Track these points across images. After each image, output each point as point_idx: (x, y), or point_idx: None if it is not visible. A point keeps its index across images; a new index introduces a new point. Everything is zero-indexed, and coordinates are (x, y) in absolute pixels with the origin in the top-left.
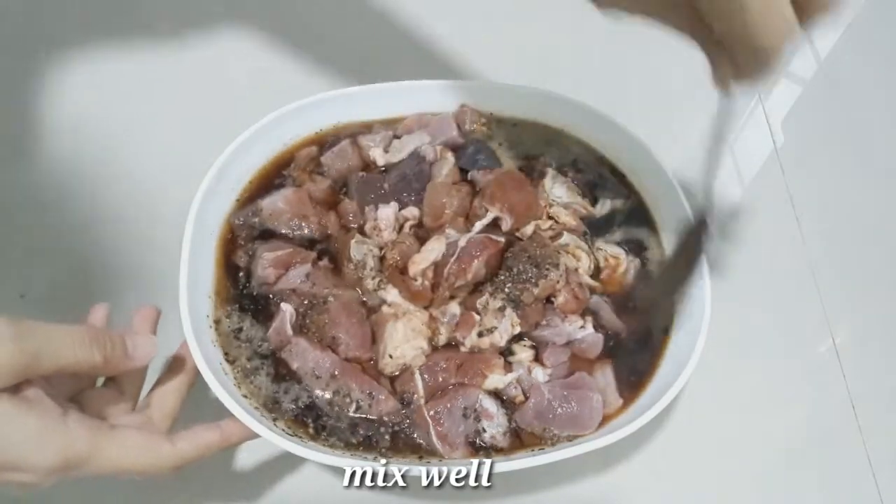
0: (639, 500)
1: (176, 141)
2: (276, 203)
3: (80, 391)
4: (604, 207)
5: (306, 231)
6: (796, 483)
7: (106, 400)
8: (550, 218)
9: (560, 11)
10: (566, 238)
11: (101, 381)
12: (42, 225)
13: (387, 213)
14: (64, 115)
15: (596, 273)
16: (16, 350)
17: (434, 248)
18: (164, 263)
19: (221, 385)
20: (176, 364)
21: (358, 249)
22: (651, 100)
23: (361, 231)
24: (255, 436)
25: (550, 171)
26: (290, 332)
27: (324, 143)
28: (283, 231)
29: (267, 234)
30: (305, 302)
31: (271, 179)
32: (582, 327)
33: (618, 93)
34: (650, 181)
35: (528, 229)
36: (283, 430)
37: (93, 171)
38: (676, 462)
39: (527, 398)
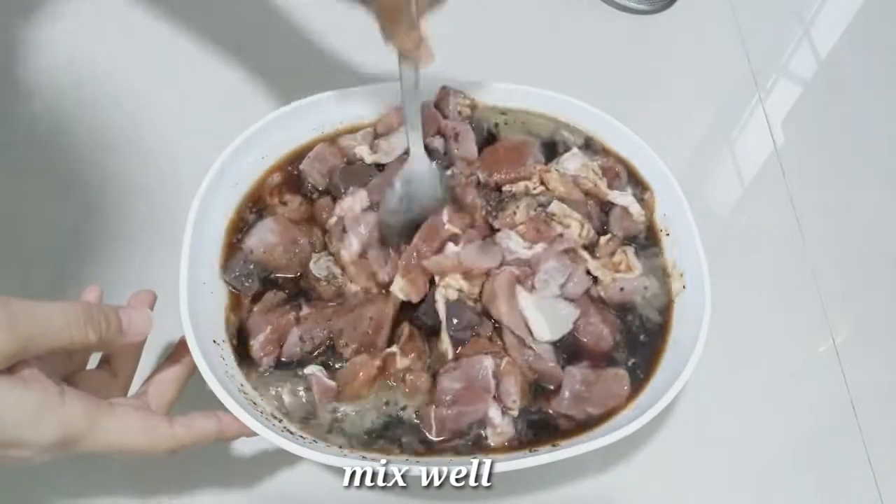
0: (639, 500)
1: (177, 141)
2: (266, 237)
3: (72, 373)
4: (618, 199)
5: (302, 257)
6: (796, 483)
7: (100, 382)
8: (542, 183)
9: (559, 11)
10: (554, 206)
11: (94, 363)
12: (42, 224)
13: (350, 203)
14: (62, 114)
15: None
16: (9, 337)
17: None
18: (165, 263)
19: (222, 387)
20: (176, 354)
21: (318, 268)
22: (653, 101)
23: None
24: (253, 433)
25: (574, 148)
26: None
27: (298, 159)
28: (282, 272)
29: (268, 284)
30: (322, 347)
31: (247, 211)
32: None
33: (618, 94)
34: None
35: (519, 187)
36: (293, 430)
37: (93, 172)
38: (676, 462)
39: (559, 387)
